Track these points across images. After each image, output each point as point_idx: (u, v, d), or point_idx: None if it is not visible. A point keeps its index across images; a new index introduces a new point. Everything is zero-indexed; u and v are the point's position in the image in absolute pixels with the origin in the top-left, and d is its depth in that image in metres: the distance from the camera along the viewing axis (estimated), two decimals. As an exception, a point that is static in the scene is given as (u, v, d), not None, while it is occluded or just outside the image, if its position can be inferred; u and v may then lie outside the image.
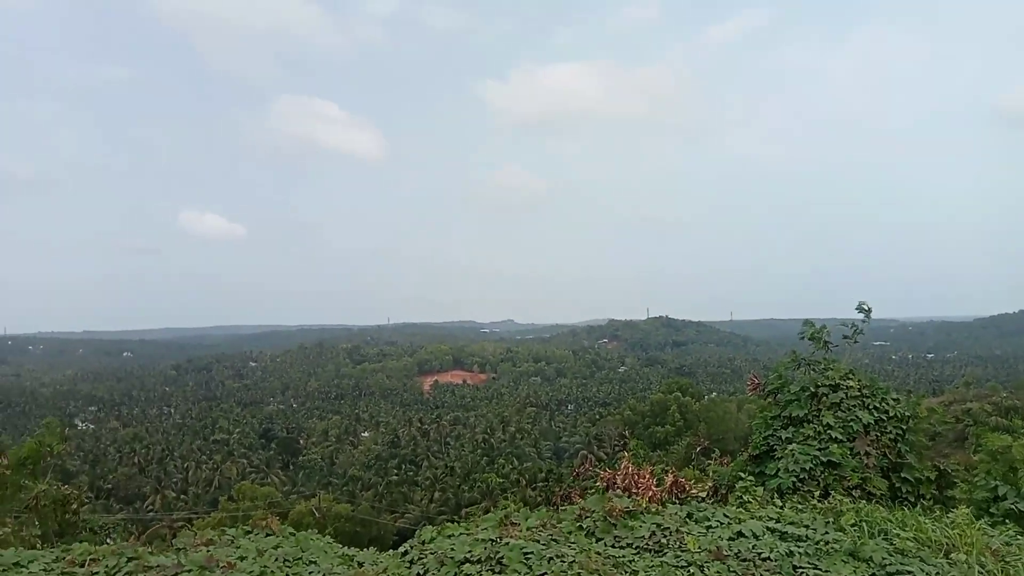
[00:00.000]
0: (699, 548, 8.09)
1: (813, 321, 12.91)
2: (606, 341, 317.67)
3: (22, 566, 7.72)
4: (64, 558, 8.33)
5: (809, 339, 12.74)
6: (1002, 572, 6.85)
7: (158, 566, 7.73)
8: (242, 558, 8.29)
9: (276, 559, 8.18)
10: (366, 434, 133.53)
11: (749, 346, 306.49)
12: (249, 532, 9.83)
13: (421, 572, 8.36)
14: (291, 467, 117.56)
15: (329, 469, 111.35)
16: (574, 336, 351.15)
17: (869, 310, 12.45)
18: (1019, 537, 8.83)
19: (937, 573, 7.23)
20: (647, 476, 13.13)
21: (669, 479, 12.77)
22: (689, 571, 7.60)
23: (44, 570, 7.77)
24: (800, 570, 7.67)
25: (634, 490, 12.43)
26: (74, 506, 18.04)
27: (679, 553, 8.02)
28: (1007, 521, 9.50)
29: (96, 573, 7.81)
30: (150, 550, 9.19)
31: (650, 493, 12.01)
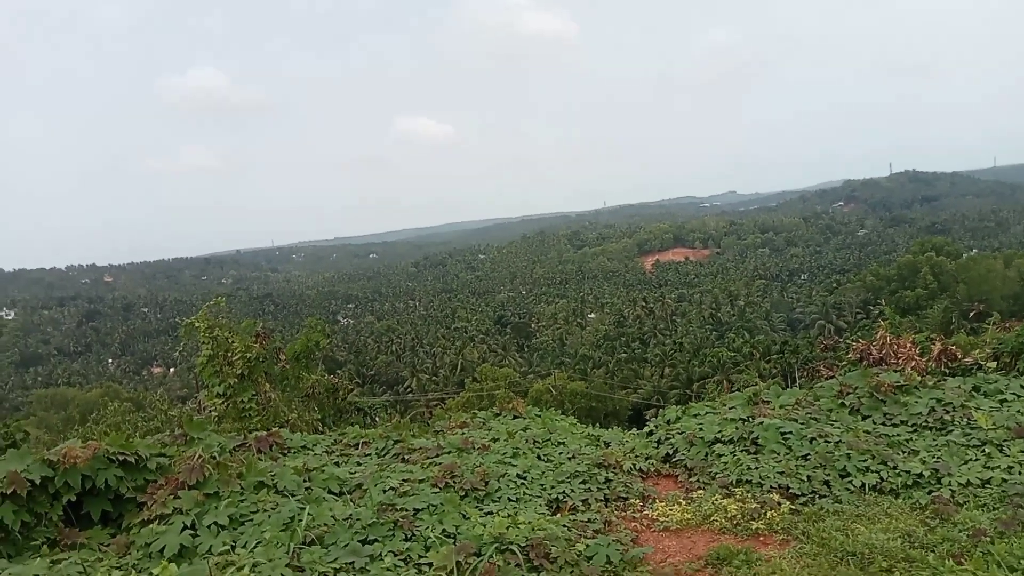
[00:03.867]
0: (994, 425, 7.03)
1: None
2: (842, 204, 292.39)
3: (308, 449, 8.62)
4: (341, 441, 9.22)
5: None
6: None
7: (420, 448, 8.27)
8: (495, 439, 8.63)
9: (527, 440, 8.39)
10: (592, 315, 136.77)
11: (1018, 194, 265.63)
12: (498, 415, 10.26)
13: (670, 452, 8.17)
14: (525, 349, 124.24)
15: (560, 350, 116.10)
16: (804, 202, 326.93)
17: None
18: None
19: None
20: (909, 345, 11.82)
21: (936, 347, 11.38)
22: (984, 451, 6.64)
23: (326, 452, 8.64)
24: None
25: (892, 360, 11.27)
26: (342, 392, 20.19)
27: (968, 431, 7.04)
28: None
29: (368, 455, 8.55)
30: (413, 432, 9.92)
31: (913, 363, 10.80)
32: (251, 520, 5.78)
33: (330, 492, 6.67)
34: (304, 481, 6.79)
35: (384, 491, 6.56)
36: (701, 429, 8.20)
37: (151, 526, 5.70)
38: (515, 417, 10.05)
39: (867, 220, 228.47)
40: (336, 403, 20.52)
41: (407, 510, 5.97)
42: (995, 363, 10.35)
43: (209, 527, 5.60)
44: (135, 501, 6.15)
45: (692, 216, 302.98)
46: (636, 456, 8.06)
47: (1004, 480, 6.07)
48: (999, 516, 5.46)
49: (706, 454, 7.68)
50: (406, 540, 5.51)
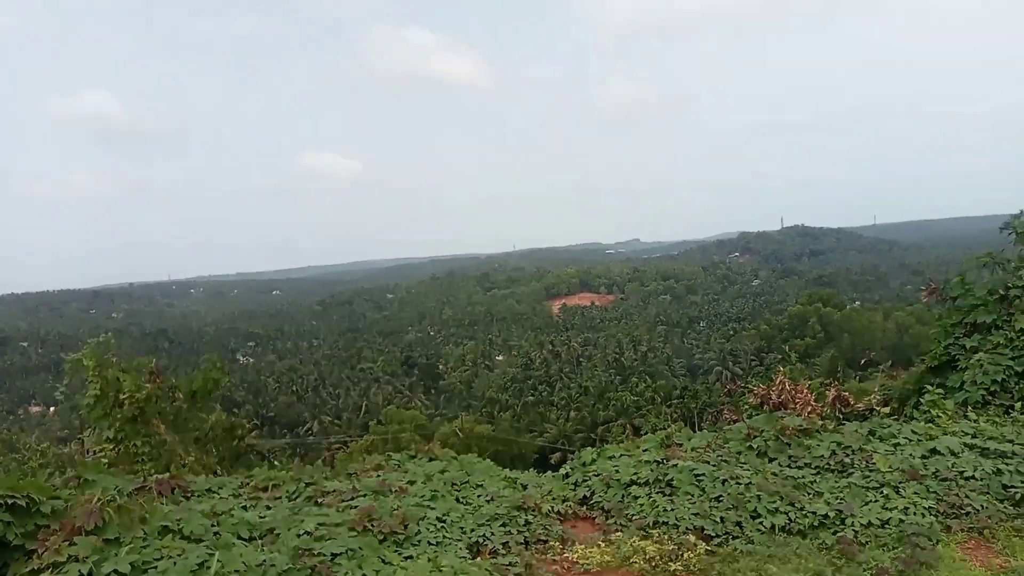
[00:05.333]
0: (890, 467, 7.47)
1: (1018, 215, 11.47)
2: (737, 255, 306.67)
3: (214, 492, 8.21)
4: (248, 484, 8.84)
5: (1014, 233, 11.35)
6: None
7: (334, 491, 8.03)
8: (412, 482, 8.48)
9: (444, 483, 8.29)
10: (500, 358, 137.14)
11: (896, 251, 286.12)
12: (414, 457, 10.09)
13: (587, 494, 8.25)
14: (432, 391, 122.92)
15: (468, 392, 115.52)
16: (703, 251, 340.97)
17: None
18: None
19: None
20: (805, 391, 12.43)
21: (831, 393, 12.03)
22: (882, 492, 7.03)
23: (233, 495, 8.26)
24: (1012, 489, 6.95)
25: (791, 405, 11.81)
26: (240, 432, 19.38)
27: (867, 473, 7.45)
28: None
29: (278, 498, 8.22)
30: (325, 475, 9.63)
31: (809, 408, 11.37)
32: (155, 567, 5.44)
33: (240, 537, 6.37)
34: (212, 526, 6.46)
35: (299, 535, 6.33)
36: (617, 471, 8.33)
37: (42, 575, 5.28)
38: (431, 459, 9.92)
39: (761, 271, 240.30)
40: (234, 446, 19.65)
41: (324, 555, 5.77)
42: (886, 408, 11.04)
43: (109, 575, 5.24)
44: (23, 549, 5.69)
45: (598, 262, 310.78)
46: (554, 498, 8.09)
47: (902, 520, 6.44)
48: (899, 555, 5.78)
49: (623, 496, 7.80)
50: (325, 586, 5.32)
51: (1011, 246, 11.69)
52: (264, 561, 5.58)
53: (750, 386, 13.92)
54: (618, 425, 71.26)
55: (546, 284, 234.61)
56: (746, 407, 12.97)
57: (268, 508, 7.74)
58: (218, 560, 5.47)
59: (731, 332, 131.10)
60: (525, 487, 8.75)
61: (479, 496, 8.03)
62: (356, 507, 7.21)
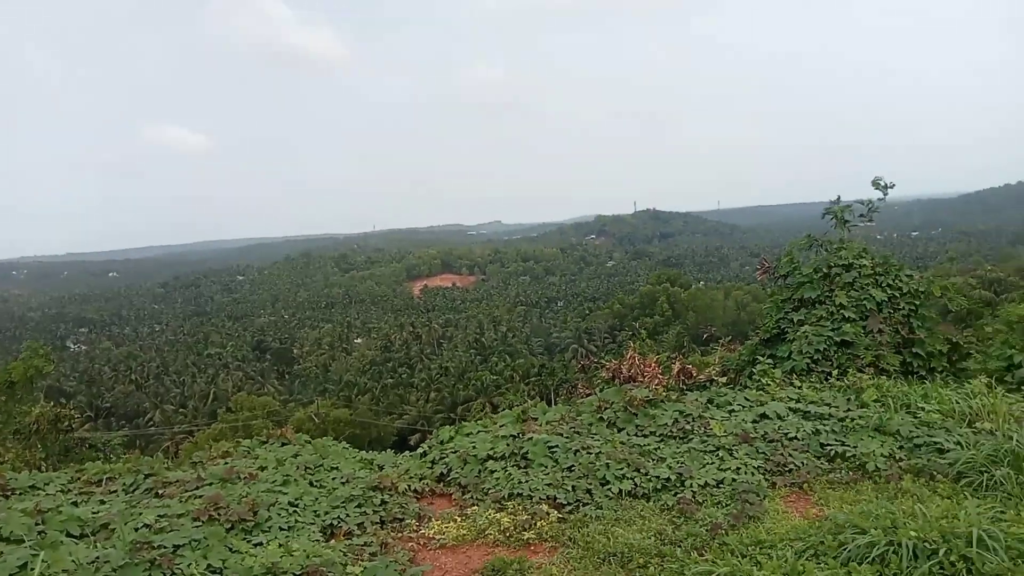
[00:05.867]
0: (725, 432, 8.02)
1: (835, 201, 12.54)
2: (594, 237, 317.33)
3: (38, 488, 7.55)
4: (79, 478, 8.19)
5: (833, 217, 12.41)
6: (1029, 438, 6.78)
7: (177, 481, 7.59)
8: (262, 468, 8.17)
9: (297, 467, 8.06)
10: (359, 341, 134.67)
11: (736, 234, 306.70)
12: (265, 442, 9.72)
13: (444, 471, 8.30)
14: (287, 377, 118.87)
15: (324, 376, 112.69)
16: (561, 234, 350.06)
17: (888, 186, 12.06)
18: (1037, 403, 8.82)
19: (965, 442, 7.19)
20: (653, 364, 13.13)
21: (676, 366, 12.76)
22: (718, 455, 7.54)
23: (61, 491, 7.62)
24: (828, 447, 7.64)
25: (640, 379, 12.43)
26: (68, 424, 17.97)
27: (705, 438, 7.95)
28: (1022, 389, 9.50)
29: (114, 492, 7.67)
30: (167, 465, 9.09)
31: (657, 381, 12.01)
32: (-35, 574, 4.94)
33: (69, 535, 5.90)
34: (36, 524, 5.94)
35: (137, 529, 5.94)
36: (474, 447, 8.43)
37: None
38: (284, 444, 9.60)
39: (615, 253, 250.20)
40: (61, 439, 18.19)
41: (166, 547, 5.44)
42: (724, 378, 11.85)
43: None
44: None
45: (460, 243, 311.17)
46: (411, 477, 8.07)
47: (734, 479, 6.95)
48: (731, 511, 6.23)
49: (479, 471, 7.90)
50: (166, 580, 5.02)
51: (832, 230, 12.81)
52: (97, 558, 5.19)
53: (603, 362, 14.50)
54: (477, 404, 72.11)
55: (407, 265, 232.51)
56: (599, 382, 13.51)
57: (102, 503, 7.22)
58: (42, 560, 5.03)
59: (587, 311, 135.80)
60: (381, 467, 8.67)
61: (333, 479, 7.88)
62: (201, 496, 6.87)
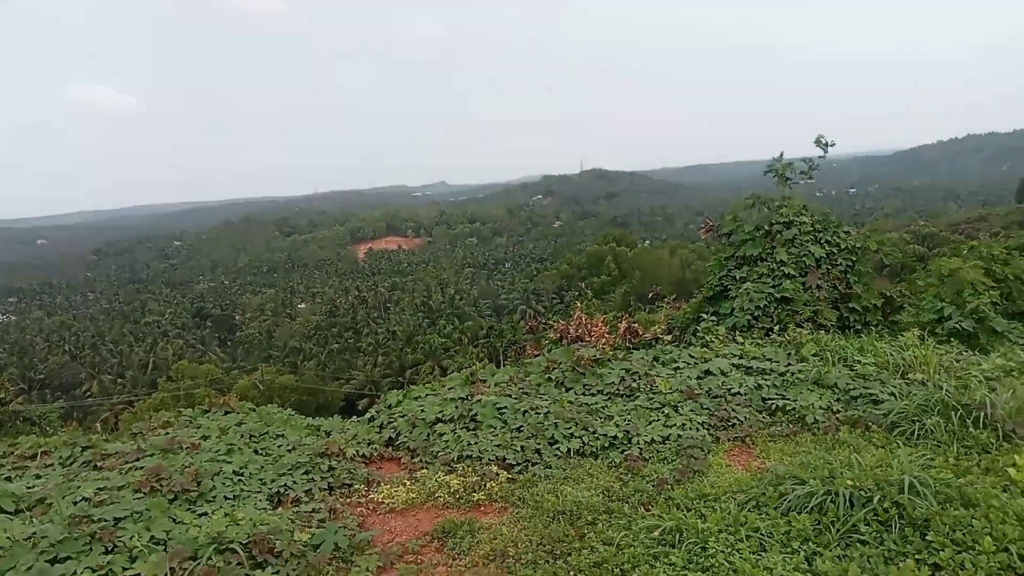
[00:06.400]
0: (670, 389, 8.15)
1: (778, 159, 12.70)
2: (540, 197, 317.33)
3: (-34, 464, 7.24)
4: (12, 452, 7.87)
5: (775, 175, 12.58)
6: (958, 387, 7.08)
7: (116, 453, 7.37)
8: (205, 437, 7.98)
9: (241, 435, 7.89)
10: (303, 306, 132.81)
11: (680, 192, 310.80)
12: (207, 411, 9.50)
13: (393, 436, 8.24)
14: (229, 344, 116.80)
15: (268, 343, 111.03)
16: (508, 194, 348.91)
17: (829, 144, 12.27)
18: (964, 353, 9.21)
19: (898, 393, 7.46)
20: (600, 324, 13.24)
21: (622, 326, 12.89)
22: (664, 412, 7.66)
23: (-8, 467, 7.32)
24: (769, 401, 7.83)
25: (588, 338, 12.54)
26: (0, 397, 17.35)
27: (651, 395, 8.07)
28: (952, 339, 9.89)
29: (50, 465, 7.41)
30: (105, 437, 8.81)
31: (604, 340, 12.12)
32: None
33: (3, 511, 5.67)
34: (-35, 502, 5.69)
35: (75, 503, 5.75)
36: (423, 411, 8.39)
37: None
38: (227, 412, 9.40)
39: (562, 213, 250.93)
40: (-2, 412, 17.54)
41: (106, 520, 5.28)
42: (670, 336, 12.03)
43: None
44: None
45: (404, 205, 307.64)
46: (359, 442, 8.00)
47: (680, 435, 7.09)
48: (677, 467, 6.35)
49: (428, 434, 7.87)
50: (107, 553, 4.87)
51: (774, 187, 13.02)
52: (34, 534, 5.00)
53: (551, 322, 14.57)
54: (426, 367, 72.12)
55: (351, 228, 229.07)
56: (547, 342, 13.58)
57: (38, 477, 6.98)
58: (-27, 538, 4.83)
59: (534, 272, 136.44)
60: (328, 434, 8.57)
61: (279, 446, 7.75)
62: (143, 467, 6.69)
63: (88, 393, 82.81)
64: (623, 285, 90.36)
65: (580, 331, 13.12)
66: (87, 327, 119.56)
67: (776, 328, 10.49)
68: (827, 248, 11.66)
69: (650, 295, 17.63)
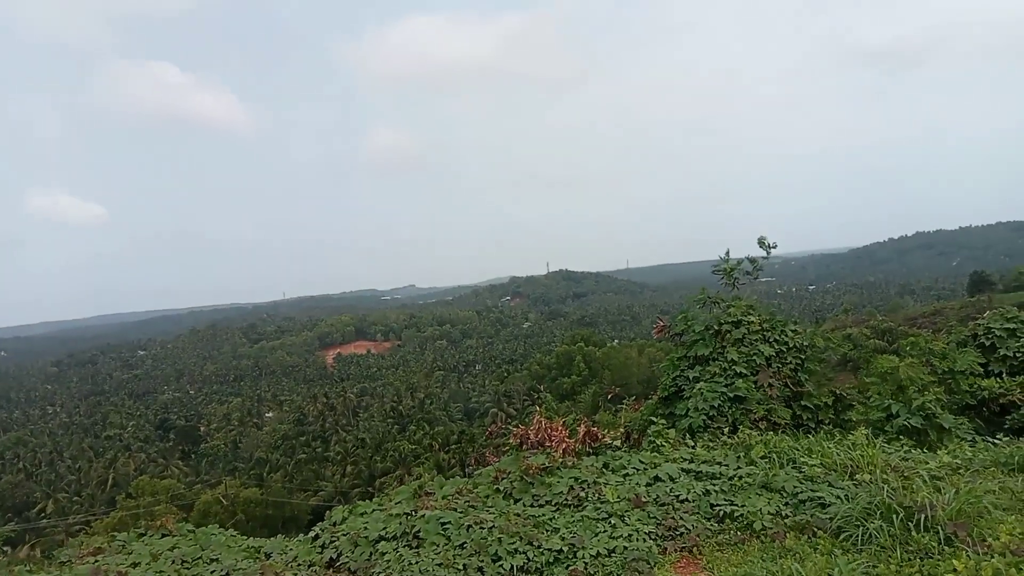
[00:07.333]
0: (618, 498, 7.99)
1: (725, 259, 13.01)
2: (509, 299, 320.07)
3: None
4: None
5: (723, 275, 12.85)
6: (904, 487, 7.04)
7: (37, 586, 6.96)
8: (135, 564, 7.60)
9: (173, 561, 7.53)
10: (270, 415, 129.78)
11: (646, 292, 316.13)
12: (143, 535, 9.09)
13: (334, 556, 7.90)
14: (193, 456, 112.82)
15: (234, 454, 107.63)
16: (477, 296, 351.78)
17: (772, 246, 12.62)
18: (913, 451, 9.22)
19: (846, 495, 7.39)
20: (560, 428, 13.05)
21: (582, 429, 12.72)
22: (610, 523, 7.48)
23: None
24: (717, 507, 7.70)
25: (548, 443, 12.34)
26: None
27: (599, 505, 7.90)
28: (901, 437, 9.92)
29: (-39, 602, 6.97)
30: (29, 568, 8.34)
31: (564, 445, 11.93)
32: None
33: None
34: None
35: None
36: (366, 528, 8.09)
37: None
38: (164, 535, 8.99)
39: (530, 313, 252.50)
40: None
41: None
42: (624, 441, 11.88)
43: None
44: None
45: (374, 308, 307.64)
46: (299, 565, 7.65)
47: (626, 547, 6.89)
48: (621, 581, 6.15)
49: (370, 554, 7.57)
50: None
51: (723, 287, 13.28)
52: None
53: (510, 428, 14.37)
54: (395, 476, 70.25)
55: (319, 333, 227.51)
56: (507, 448, 13.35)
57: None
58: None
59: (505, 373, 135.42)
60: (269, 555, 8.21)
61: (212, 572, 7.38)
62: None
63: (43, 513, 78.93)
64: (593, 385, 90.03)
65: (540, 436, 12.93)
66: (44, 443, 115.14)
67: (727, 429, 10.45)
68: (776, 347, 11.80)
69: (609, 396, 17.59)
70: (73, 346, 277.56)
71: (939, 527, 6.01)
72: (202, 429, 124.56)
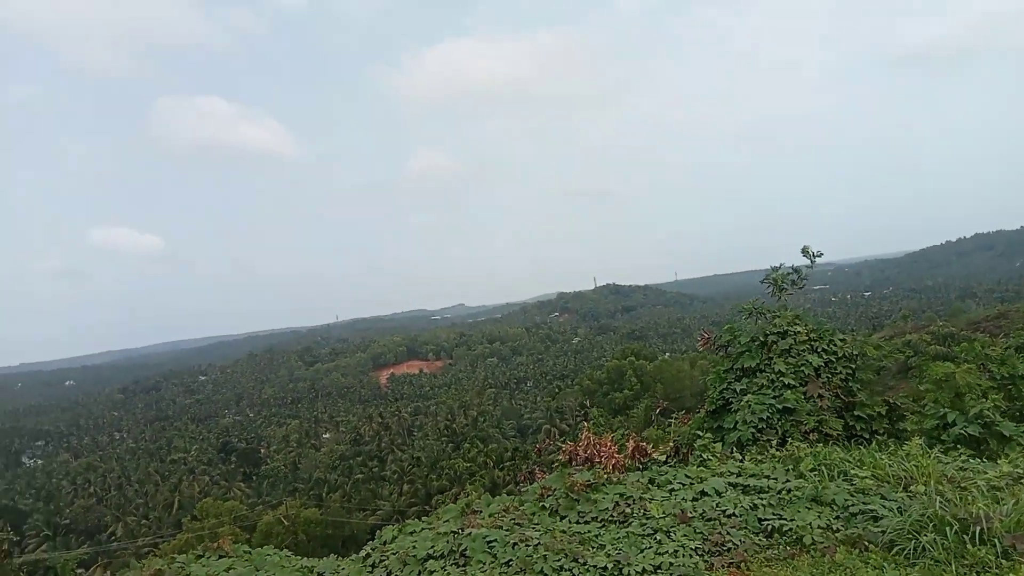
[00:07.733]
0: (663, 513, 7.94)
1: (775, 268, 12.87)
2: (557, 315, 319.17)
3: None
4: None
5: (772, 285, 12.71)
6: (960, 499, 6.84)
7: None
8: (193, 586, 7.85)
9: (228, 582, 7.75)
10: (327, 435, 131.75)
11: (695, 304, 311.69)
12: (201, 556, 9.36)
13: (384, 575, 8.04)
14: (254, 478, 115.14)
15: (293, 475, 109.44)
16: (525, 313, 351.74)
17: (816, 255, 12.43)
18: (971, 460, 8.93)
19: (899, 508, 7.20)
20: (608, 444, 13.01)
21: (630, 445, 12.66)
22: (656, 538, 7.43)
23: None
24: (766, 522, 7.58)
25: (597, 459, 12.30)
26: (3, 548, 17.10)
27: (644, 521, 7.85)
28: (958, 446, 9.62)
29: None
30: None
31: (613, 461, 11.90)
32: None
33: None
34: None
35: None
36: (415, 547, 8.20)
37: None
38: (221, 556, 9.25)
39: (579, 329, 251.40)
40: (4, 566, 17.27)
41: None
42: (673, 456, 11.77)
43: None
44: None
45: (424, 328, 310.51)
46: (349, 584, 7.80)
47: (671, 564, 6.83)
48: (667, 598, 6.11)
49: (419, 572, 7.66)
50: None
51: (770, 297, 13.11)
52: None
53: (560, 444, 14.37)
54: (450, 494, 70.46)
55: (372, 354, 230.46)
56: (557, 465, 13.35)
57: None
58: None
59: (556, 390, 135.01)
60: (321, 575, 8.38)
61: (266, 592, 7.58)
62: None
63: (113, 536, 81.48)
64: (645, 399, 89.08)
65: (589, 452, 12.92)
66: (113, 468, 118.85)
67: (775, 441, 10.28)
68: (824, 356, 11.58)
69: (658, 411, 17.42)
70: (137, 373, 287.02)
71: (996, 539, 5.83)
72: (262, 451, 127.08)
